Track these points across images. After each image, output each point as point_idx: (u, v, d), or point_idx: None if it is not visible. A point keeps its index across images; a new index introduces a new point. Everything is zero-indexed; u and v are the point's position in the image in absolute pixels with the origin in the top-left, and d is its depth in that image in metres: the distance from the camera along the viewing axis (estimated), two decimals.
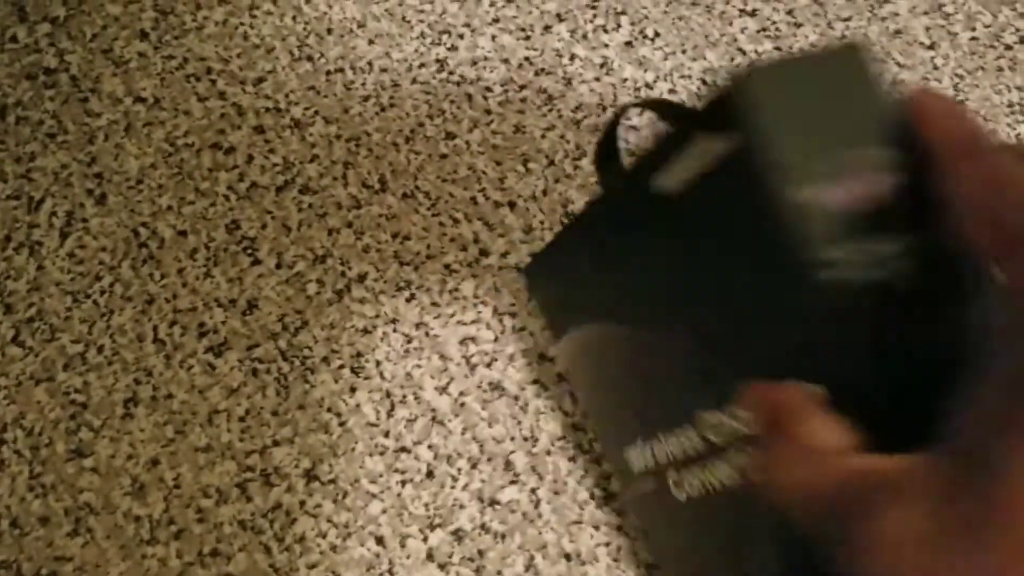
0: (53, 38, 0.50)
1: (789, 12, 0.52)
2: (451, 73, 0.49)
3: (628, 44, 0.50)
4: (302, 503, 0.40)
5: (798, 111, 0.20)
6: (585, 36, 0.51)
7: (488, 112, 0.48)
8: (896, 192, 0.20)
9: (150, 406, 0.41)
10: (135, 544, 0.39)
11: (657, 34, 0.51)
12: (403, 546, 0.39)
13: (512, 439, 0.41)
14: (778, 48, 0.50)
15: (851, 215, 0.19)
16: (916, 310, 0.20)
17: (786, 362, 0.21)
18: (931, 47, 0.51)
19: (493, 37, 0.50)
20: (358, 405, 0.42)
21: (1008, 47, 0.51)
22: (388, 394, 0.42)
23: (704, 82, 0.49)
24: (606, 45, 0.50)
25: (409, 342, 0.43)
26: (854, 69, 0.21)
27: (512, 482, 0.41)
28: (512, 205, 0.46)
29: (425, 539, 0.40)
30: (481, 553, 0.39)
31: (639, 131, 0.47)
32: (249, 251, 0.45)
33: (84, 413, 0.41)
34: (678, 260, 0.25)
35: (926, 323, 0.20)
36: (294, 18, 0.50)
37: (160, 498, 0.40)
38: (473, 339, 0.43)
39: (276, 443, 0.41)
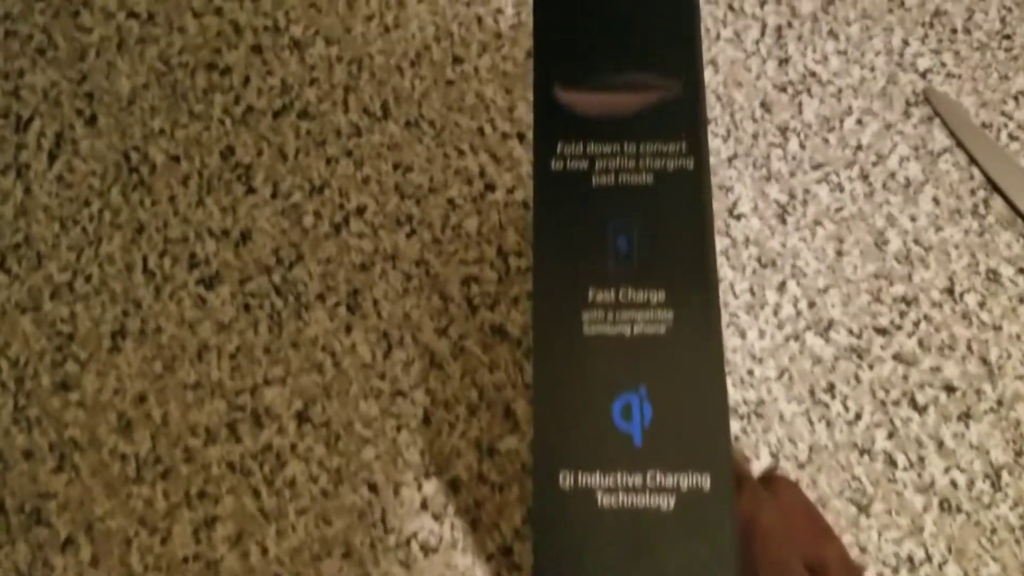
0: None
1: None
2: None
3: None
4: (293, 446, 0.39)
5: (591, 27, 0.23)
6: None
7: (499, 36, 0.45)
8: (641, 111, 0.22)
9: (138, 339, 0.40)
10: (120, 482, 0.38)
11: None
12: (397, 494, 0.38)
13: (513, 386, 0.39)
14: None
15: (596, 121, 0.22)
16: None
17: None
18: None
19: None
20: (353, 345, 0.40)
21: None
22: (385, 334, 0.40)
23: (730, 8, 0.46)
24: None
25: (408, 280, 0.41)
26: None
27: (512, 431, 0.39)
28: (521, 137, 0.43)
29: (420, 487, 0.38)
30: (478, 504, 0.38)
31: None
32: (243, 179, 0.42)
33: (71, 345, 0.40)
34: None
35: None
36: None
37: (147, 436, 0.39)
38: (475, 279, 0.41)
39: (267, 382, 0.39)
